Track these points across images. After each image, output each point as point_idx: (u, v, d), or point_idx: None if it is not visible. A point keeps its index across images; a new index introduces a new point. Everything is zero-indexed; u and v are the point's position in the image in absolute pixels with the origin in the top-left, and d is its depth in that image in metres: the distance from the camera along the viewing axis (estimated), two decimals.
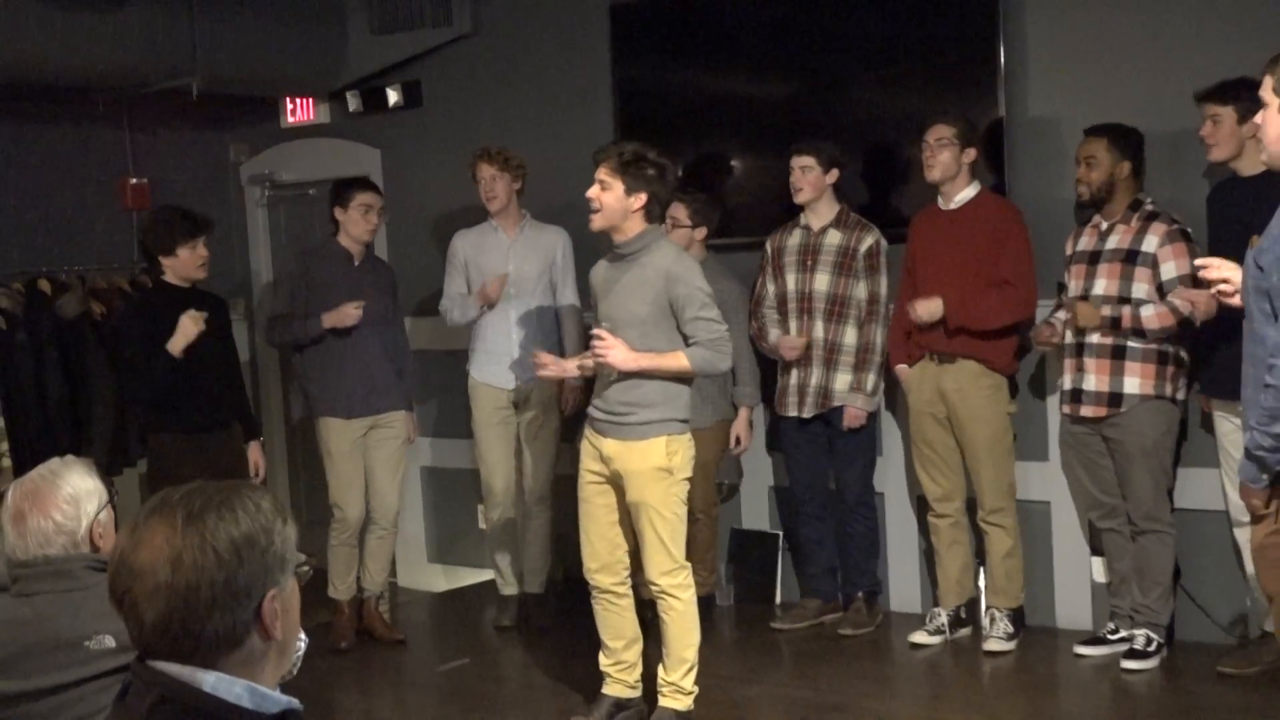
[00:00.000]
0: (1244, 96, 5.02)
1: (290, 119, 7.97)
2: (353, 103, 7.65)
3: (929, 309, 5.70)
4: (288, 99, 7.90)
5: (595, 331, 4.82)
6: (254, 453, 6.10)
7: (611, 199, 4.77)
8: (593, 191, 4.81)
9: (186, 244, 5.78)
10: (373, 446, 6.40)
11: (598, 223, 4.84)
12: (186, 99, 6.93)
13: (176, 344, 5.65)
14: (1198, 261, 3.78)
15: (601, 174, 4.79)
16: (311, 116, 7.91)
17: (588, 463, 4.99)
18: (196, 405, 5.76)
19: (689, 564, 4.94)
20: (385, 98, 7.56)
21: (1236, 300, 3.64)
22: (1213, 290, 3.73)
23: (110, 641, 2.82)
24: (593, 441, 4.97)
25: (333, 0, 7.44)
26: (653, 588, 4.89)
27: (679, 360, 4.78)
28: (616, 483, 4.91)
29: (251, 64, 7.11)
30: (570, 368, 5.19)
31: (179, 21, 6.65)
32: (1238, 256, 4.63)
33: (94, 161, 7.52)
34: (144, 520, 1.87)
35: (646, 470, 4.80)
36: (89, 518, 3.04)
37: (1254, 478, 3.39)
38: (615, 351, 4.75)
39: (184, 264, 5.81)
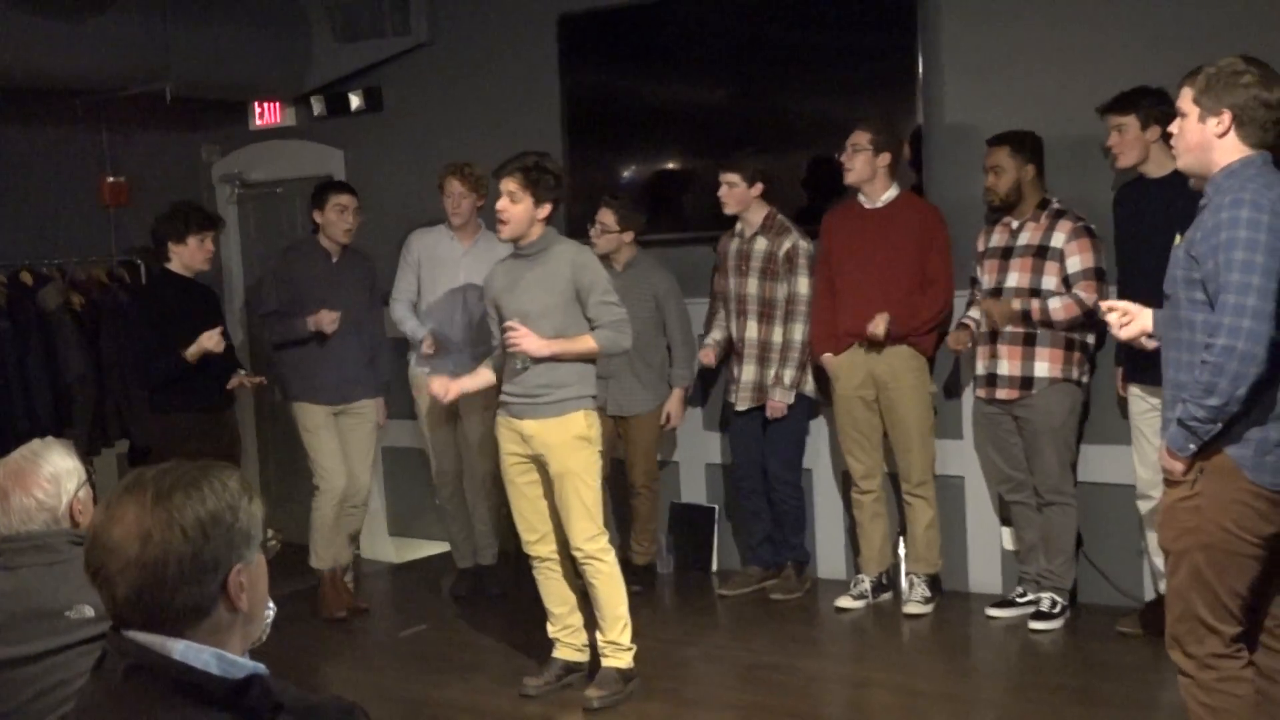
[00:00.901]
0: (1143, 105, 5.07)
1: (258, 121, 7.90)
2: (317, 107, 7.62)
3: (885, 321, 5.69)
4: (256, 102, 7.83)
5: (508, 324, 4.81)
6: (236, 378, 6.04)
7: (521, 211, 4.79)
8: (502, 204, 4.81)
9: (197, 234, 5.88)
10: (344, 430, 6.37)
11: (507, 233, 4.85)
12: (160, 102, 6.87)
13: (193, 352, 5.70)
14: (1103, 305, 3.79)
15: (510, 187, 4.78)
16: (278, 119, 7.85)
17: (508, 446, 4.97)
18: (206, 386, 5.82)
19: (606, 529, 4.95)
20: (348, 102, 7.53)
21: (1130, 331, 3.66)
22: (1113, 326, 3.73)
23: (89, 611, 2.80)
24: (510, 426, 4.94)
25: (299, 10, 7.40)
26: (578, 554, 4.89)
27: (587, 343, 4.81)
28: (539, 460, 4.90)
29: (222, 69, 7.06)
30: (486, 376, 5.07)
31: (153, 29, 6.60)
32: (1146, 253, 4.69)
33: (73, 160, 7.43)
34: (117, 499, 1.86)
35: (569, 440, 4.81)
36: (69, 495, 3.03)
37: (1181, 446, 3.40)
38: (528, 340, 4.76)
39: (191, 253, 5.88)
